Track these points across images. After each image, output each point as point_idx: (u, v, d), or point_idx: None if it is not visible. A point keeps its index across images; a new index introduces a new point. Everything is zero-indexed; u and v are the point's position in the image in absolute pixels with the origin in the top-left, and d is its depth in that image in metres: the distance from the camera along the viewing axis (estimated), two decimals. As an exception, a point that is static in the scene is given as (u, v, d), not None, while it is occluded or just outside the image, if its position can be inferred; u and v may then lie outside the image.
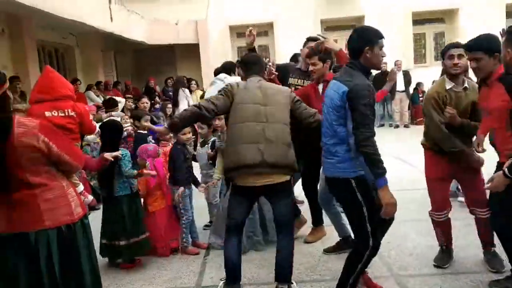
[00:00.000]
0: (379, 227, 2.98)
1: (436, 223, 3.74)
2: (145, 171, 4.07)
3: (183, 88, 10.08)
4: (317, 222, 4.46)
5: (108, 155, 3.58)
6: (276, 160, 3.14)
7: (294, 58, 5.80)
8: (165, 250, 4.34)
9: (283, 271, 3.28)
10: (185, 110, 3.47)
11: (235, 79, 4.86)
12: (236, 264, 3.29)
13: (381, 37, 2.92)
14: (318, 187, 4.18)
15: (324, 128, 3.02)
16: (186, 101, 9.74)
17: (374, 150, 2.71)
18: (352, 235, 3.28)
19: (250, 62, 3.61)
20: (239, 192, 3.29)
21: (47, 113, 3.15)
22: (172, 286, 3.71)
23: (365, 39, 2.90)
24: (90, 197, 3.61)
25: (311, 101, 3.92)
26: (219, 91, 3.44)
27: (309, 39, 4.58)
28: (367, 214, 2.85)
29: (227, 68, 5.55)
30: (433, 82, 5.62)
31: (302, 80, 4.55)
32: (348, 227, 3.45)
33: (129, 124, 7.78)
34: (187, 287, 3.62)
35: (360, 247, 2.92)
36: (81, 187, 3.19)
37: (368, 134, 2.72)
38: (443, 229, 3.74)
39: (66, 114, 3.21)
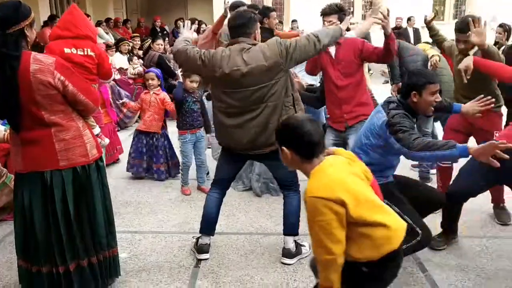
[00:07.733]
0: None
1: None
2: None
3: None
4: None
5: None
6: None
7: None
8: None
9: (291, 225, 3.27)
10: None
11: None
12: (214, 217, 3.34)
13: (431, 81, 2.80)
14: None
15: None
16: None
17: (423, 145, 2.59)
18: None
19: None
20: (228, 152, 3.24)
21: (66, 50, 3.05)
22: (181, 231, 3.75)
23: (412, 84, 2.82)
24: (107, 140, 3.56)
25: (327, 67, 3.73)
26: None
27: None
28: (399, 210, 2.79)
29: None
30: None
31: None
32: None
33: (138, 65, 7.65)
34: (195, 232, 3.64)
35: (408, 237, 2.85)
36: (97, 129, 3.12)
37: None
38: None
39: (85, 53, 3.12)
